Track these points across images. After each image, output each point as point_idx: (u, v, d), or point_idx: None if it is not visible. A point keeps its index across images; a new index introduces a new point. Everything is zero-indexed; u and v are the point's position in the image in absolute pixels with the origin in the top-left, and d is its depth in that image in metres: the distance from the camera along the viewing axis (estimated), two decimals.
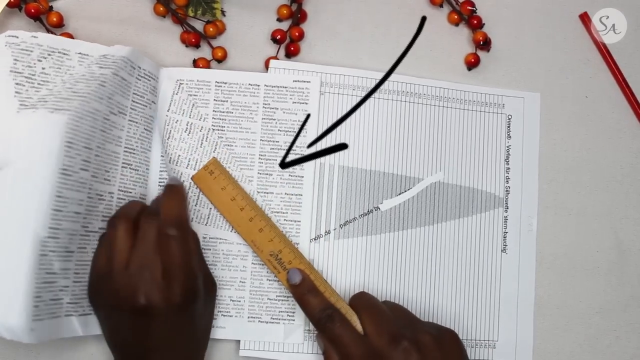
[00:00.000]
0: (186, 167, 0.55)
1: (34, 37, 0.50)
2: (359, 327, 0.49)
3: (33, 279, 0.45)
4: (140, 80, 0.54)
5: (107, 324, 0.49)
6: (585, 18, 0.62)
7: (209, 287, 0.52)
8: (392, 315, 0.50)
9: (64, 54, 0.51)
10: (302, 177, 0.57)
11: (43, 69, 0.50)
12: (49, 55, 0.50)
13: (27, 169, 0.45)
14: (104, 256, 0.49)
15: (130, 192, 0.54)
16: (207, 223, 0.55)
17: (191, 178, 0.55)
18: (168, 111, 0.55)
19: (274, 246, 0.53)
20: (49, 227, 0.46)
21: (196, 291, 0.49)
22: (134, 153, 0.54)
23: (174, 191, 0.51)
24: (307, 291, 0.51)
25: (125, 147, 0.53)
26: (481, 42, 0.60)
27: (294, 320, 0.55)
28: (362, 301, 0.51)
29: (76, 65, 0.51)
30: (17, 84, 0.48)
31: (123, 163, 0.53)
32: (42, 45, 0.50)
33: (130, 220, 0.49)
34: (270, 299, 0.55)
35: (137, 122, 0.54)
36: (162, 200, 0.50)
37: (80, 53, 0.51)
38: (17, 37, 0.49)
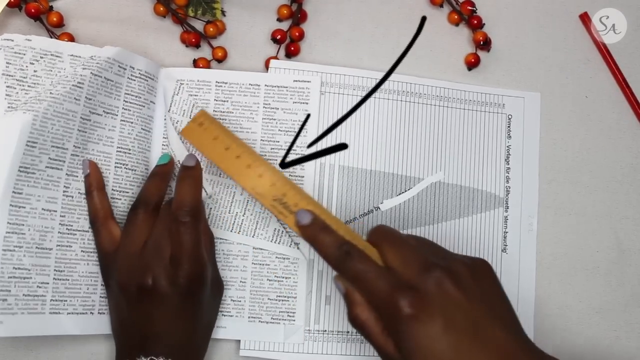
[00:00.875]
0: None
1: (28, 40, 0.51)
2: (380, 262, 0.44)
3: None
4: (134, 80, 0.54)
5: (114, 304, 0.50)
6: (585, 18, 0.62)
7: (216, 285, 0.53)
8: (418, 245, 0.45)
9: (57, 56, 0.51)
10: (303, 177, 0.56)
11: (35, 71, 0.51)
12: (41, 57, 0.51)
13: None
14: (125, 237, 0.50)
15: (127, 192, 0.54)
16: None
17: (179, 133, 0.54)
18: (168, 111, 0.55)
19: (277, 190, 0.49)
20: (9, 223, 0.47)
21: (202, 280, 0.49)
22: (129, 153, 0.54)
23: (189, 175, 0.50)
24: (319, 230, 0.46)
25: (119, 148, 0.53)
26: (481, 42, 0.60)
27: (294, 320, 0.55)
28: (381, 234, 0.46)
29: (67, 67, 0.51)
30: (8, 86, 0.50)
31: (116, 163, 0.53)
32: (35, 48, 0.51)
33: (150, 206, 0.51)
34: (270, 299, 0.55)
35: (132, 123, 0.54)
36: (176, 185, 0.50)
37: (72, 55, 0.52)
38: (12, 41, 0.50)
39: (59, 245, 0.50)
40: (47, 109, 0.48)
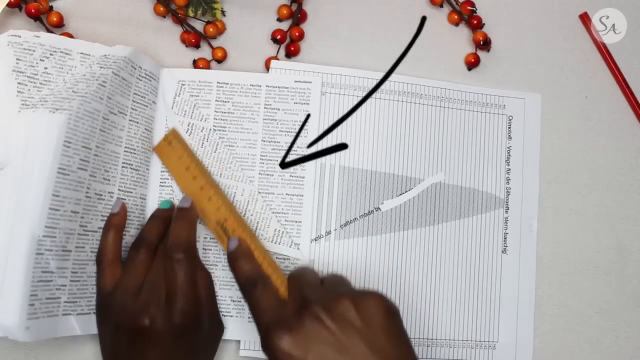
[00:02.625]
0: None
1: (37, 36, 0.50)
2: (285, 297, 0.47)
3: (29, 278, 0.45)
4: (141, 80, 0.54)
5: (109, 344, 0.50)
6: (585, 18, 0.62)
7: (215, 325, 0.53)
8: (317, 282, 0.47)
9: (66, 53, 0.51)
10: (303, 177, 0.56)
11: (45, 68, 0.50)
12: (51, 55, 0.50)
13: (26, 168, 0.46)
14: (124, 277, 0.50)
15: (131, 192, 0.54)
16: None
17: (152, 149, 0.55)
18: (170, 112, 0.55)
19: (220, 214, 0.52)
20: (46, 226, 0.46)
21: (197, 319, 0.49)
22: (134, 153, 0.54)
23: (183, 215, 0.52)
24: (239, 256, 0.50)
25: (126, 147, 0.53)
26: (481, 42, 0.60)
27: None
28: (295, 272, 0.49)
29: (78, 65, 0.51)
30: (19, 83, 0.49)
31: (123, 163, 0.53)
32: (45, 45, 0.50)
33: (151, 246, 0.51)
34: None
35: (137, 122, 0.54)
36: (172, 225, 0.51)
37: (82, 53, 0.51)
38: (20, 37, 0.49)
39: (76, 247, 0.49)
40: (78, 108, 0.48)
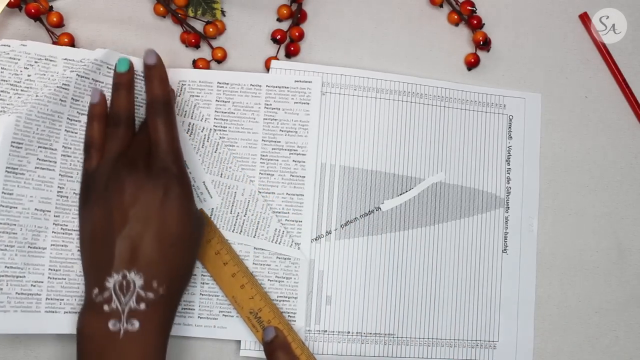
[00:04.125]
0: (187, 168, 0.55)
1: (23, 45, 0.51)
2: None
3: None
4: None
5: (89, 219, 0.49)
6: (585, 18, 0.62)
7: (197, 216, 0.51)
8: None
9: (51, 60, 0.52)
10: (304, 177, 0.56)
11: (29, 76, 0.51)
12: (36, 62, 0.52)
13: None
14: (107, 152, 0.51)
15: None
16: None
17: None
18: None
19: (254, 304, 0.53)
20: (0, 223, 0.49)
21: (178, 176, 0.49)
22: None
23: (153, 74, 0.52)
24: (277, 347, 0.51)
25: None
26: (481, 42, 0.60)
27: (295, 321, 0.55)
28: None
29: (61, 70, 0.52)
30: (2, 91, 0.51)
31: None
32: (30, 54, 0.51)
33: (125, 119, 0.52)
34: (271, 300, 0.55)
35: None
36: (145, 85, 0.52)
37: (65, 59, 0.52)
38: (9, 46, 0.51)
39: (53, 245, 0.51)
40: (30, 111, 0.49)
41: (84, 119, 0.52)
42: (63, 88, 0.51)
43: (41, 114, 0.50)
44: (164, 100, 0.51)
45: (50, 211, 0.51)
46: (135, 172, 0.48)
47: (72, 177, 0.52)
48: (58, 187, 0.51)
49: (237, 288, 0.53)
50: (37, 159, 0.50)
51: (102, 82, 0.53)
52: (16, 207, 0.49)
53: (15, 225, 0.49)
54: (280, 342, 0.51)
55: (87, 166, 0.51)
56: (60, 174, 0.51)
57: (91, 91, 0.52)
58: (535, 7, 0.63)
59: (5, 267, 0.49)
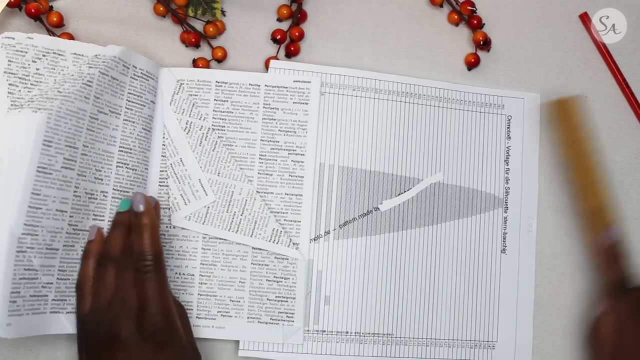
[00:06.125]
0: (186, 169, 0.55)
1: (30, 38, 0.50)
2: None
3: (9, 275, 0.46)
4: (136, 79, 0.54)
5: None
6: (585, 18, 0.62)
7: (192, 351, 0.50)
8: None
9: (59, 54, 0.51)
10: (302, 177, 0.57)
11: (37, 69, 0.50)
12: (44, 56, 0.51)
13: (8, 168, 0.46)
14: (95, 296, 0.49)
15: (128, 192, 0.54)
16: (204, 222, 0.55)
17: (551, 101, 0.60)
18: (168, 110, 0.55)
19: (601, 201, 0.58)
20: (25, 224, 0.46)
21: (170, 333, 0.48)
22: (130, 152, 0.54)
23: (141, 222, 0.50)
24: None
25: (121, 147, 0.53)
26: (481, 42, 0.60)
27: (293, 321, 0.55)
28: None
29: (70, 65, 0.51)
30: (10, 84, 0.49)
31: (118, 162, 0.53)
32: (37, 47, 0.51)
33: (115, 260, 0.50)
34: (269, 300, 0.55)
35: (133, 122, 0.54)
36: (132, 234, 0.50)
37: (75, 53, 0.52)
38: (14, 39, 0.50)
39: (65, 246, 0.50)
40: (59, 108, 0.48)
41: (101, 116, 0.51)
42: (87, 85, 0.50)
43: (69, 112, 0.49)
44: (154, 254, 0.49)
45: (67, 212, 0.49)
46: (124, 331, 0.46)
47: (85, 176, 0.51)
48: (75, 186, 0.50)
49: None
50: (64, 158, 0.49)
51: (118, 80, 0.52)
52: (41, 208, 0.47)
53: (37, 226, 0.47)
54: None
55: (80, 310, 0.50)
56: (77, 174, 0.50)
57: (90, 228, 0.51)
58: (535, 7, 0.63)
59: (25, 269, 0.47)
